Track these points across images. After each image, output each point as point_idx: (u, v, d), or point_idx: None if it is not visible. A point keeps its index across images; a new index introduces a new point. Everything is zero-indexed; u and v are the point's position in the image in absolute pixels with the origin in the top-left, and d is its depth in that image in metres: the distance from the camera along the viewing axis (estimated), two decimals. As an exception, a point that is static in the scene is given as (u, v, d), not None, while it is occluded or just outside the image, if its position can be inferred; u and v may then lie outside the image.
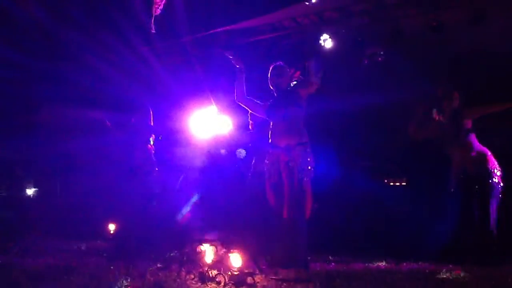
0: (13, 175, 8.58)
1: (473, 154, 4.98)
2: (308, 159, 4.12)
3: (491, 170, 4.90)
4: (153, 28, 4.31)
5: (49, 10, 6.70)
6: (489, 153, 5.00)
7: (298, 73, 4.35)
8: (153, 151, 6.07)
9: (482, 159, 4.95)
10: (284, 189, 4.12)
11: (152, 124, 6.12)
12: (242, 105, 4.54)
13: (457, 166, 5.10)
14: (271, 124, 4.34)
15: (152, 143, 6.05)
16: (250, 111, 4.73)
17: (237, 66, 4.36)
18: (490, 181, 4.88)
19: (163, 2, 4.15)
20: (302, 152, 4.10)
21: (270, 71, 4.37)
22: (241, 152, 5.59)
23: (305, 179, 4.07)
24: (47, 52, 7.35)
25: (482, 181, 4.90)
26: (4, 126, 7.68)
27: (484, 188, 4.88)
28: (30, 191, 8.70)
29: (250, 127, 5.61)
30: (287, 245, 4.02)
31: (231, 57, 4.32)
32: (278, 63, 4.40)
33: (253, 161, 5.40)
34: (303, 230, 4.05)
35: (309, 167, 4.10)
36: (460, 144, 5.04)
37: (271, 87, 4.39)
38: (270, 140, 4.31)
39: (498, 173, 4.92)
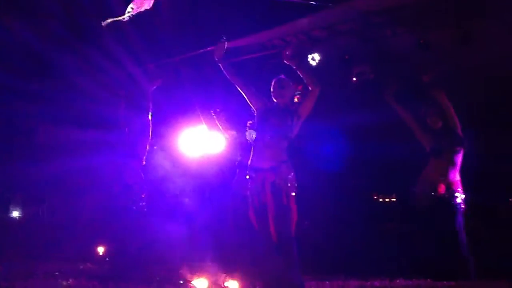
0: (-2, 197, 8.39)
1: (447, 174, 5.09)
2: (292, 175, 4.04)
3: (458, 192, 5.04)
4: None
5: (36, 31, 6.67)
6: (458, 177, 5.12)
7: (300, 86, 4.25)
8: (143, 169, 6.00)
9: (451, 181, 5.08)
10: (269, 213, 3.98)
11: (142, 141, 6.05)
12: (237, 84, 4.23)
13: (427, 179, 5.21)
14: (254, 145, 4.22)
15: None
16: (244, 95, 4.28)
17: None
18: (457, 202, 5.02)
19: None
20: (286, 169, 4.03)
21: (272, 84, 4.21)
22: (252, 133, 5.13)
23: (292, 194, 3.99)
24: (35, 72, 7.26)
25: (451, 201, 5.03)
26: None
27: (453, 208, 5.01)
28: (16, 213, 8.52)
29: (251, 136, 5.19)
30: (280, 268, 3.89)
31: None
32: (280, 76, 4.23)
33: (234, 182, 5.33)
34: (294, 249, 3.94)
35: (294, 183, 4.03)
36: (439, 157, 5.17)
37: (275, 100, 4.19)
38: (252, 163, 4.15)
39: (462, 196, 5.05)
